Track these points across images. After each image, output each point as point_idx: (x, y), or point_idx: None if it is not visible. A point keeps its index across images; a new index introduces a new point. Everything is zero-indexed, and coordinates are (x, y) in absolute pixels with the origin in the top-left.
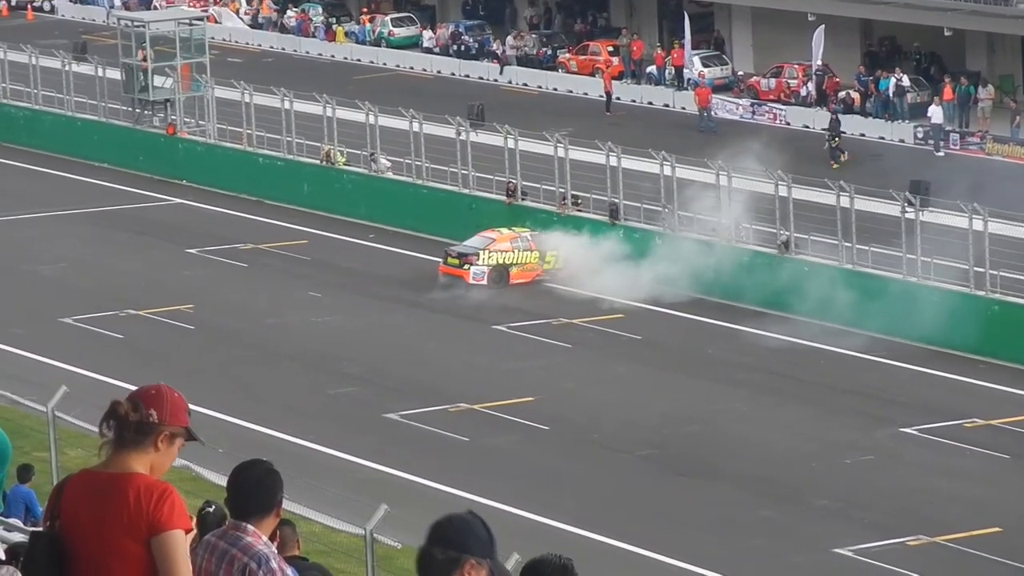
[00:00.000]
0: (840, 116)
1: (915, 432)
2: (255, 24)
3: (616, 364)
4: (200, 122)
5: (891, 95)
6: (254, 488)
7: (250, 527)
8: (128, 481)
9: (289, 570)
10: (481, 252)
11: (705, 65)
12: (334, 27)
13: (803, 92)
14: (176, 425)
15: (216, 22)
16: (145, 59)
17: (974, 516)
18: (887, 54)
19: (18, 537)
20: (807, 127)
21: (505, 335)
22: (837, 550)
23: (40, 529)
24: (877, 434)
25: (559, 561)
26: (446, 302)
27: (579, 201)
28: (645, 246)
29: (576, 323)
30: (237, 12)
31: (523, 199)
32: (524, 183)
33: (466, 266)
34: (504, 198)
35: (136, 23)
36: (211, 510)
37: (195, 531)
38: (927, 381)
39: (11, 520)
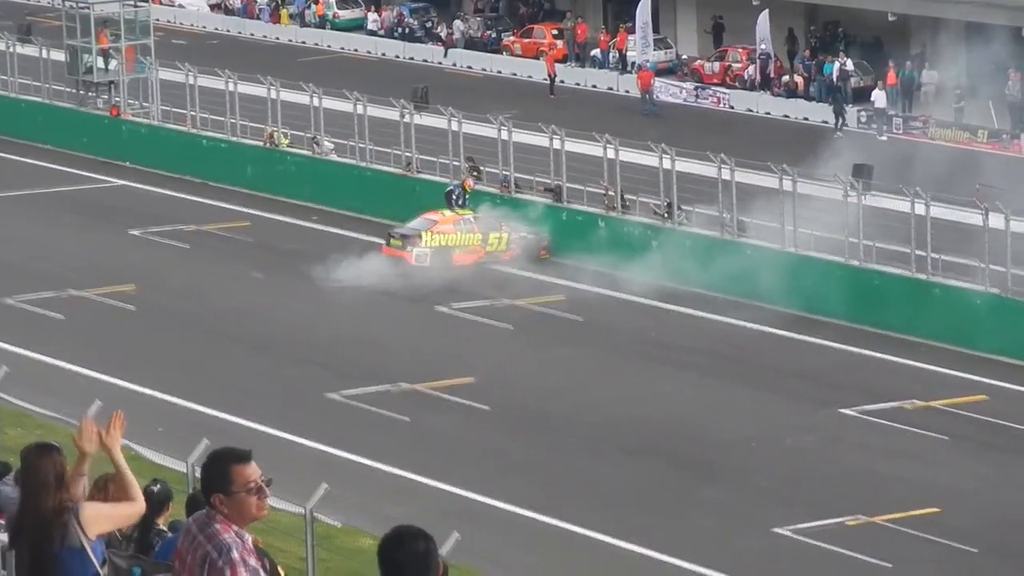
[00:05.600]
0: (785, 99)
1: (855, 413)
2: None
3: (559, 346)
4: (144, 104)
5: (835, 79)
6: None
7: (220, 515)
8: None
9: (253, 561)
10: (424, 234)
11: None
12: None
13: (746, 76)
14: None
15: (161, 3)
16: (108, 49)
17: (913, 496)
18: (830, 39)
19: None
20: (751, 111)
21: (447, 316)
22: (776, 529)
23: None
24: (817, 415)
25: (419, 531)
26: (389, 283)
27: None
28: (588, 229)
29: (518, 304)
30: None
31: (477, 182)
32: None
33: (409, 247)
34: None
35: (81, 4)
36: (156, 488)
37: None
38: (867, 363)
39: None
